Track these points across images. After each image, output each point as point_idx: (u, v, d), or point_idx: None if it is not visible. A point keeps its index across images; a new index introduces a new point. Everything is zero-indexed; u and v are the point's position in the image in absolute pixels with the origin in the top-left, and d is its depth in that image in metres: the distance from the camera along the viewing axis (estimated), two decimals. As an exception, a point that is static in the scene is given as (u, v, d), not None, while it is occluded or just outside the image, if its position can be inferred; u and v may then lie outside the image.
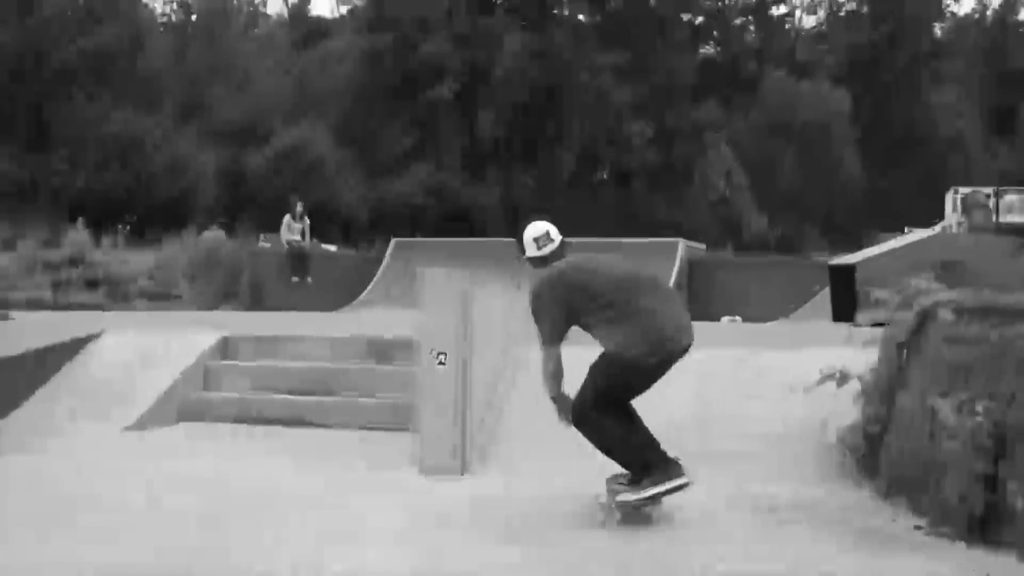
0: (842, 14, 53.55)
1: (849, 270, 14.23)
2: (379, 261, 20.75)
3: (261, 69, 43.45)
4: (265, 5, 55.56)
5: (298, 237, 20.07)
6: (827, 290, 15.38)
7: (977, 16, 55.67)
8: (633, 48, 44.40)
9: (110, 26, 35.33)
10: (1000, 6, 54.45)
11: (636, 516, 5.53)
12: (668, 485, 5.49)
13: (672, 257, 18.62)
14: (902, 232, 30.82)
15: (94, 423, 8.16)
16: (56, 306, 15.80)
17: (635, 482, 5.57)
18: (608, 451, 5.63)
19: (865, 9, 52.19)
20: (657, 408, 5.84)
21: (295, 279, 19.64)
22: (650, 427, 5.68)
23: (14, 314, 11.79)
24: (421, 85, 41.86)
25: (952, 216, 36.57)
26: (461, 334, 6.70)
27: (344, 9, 50.83)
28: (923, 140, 48.07)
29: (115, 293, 17.34)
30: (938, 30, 53.22)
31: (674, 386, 5.96)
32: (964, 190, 35.06)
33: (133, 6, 38.95)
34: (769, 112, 45.94)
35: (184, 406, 8.46)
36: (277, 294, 18.75)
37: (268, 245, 20.84)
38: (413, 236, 26.25)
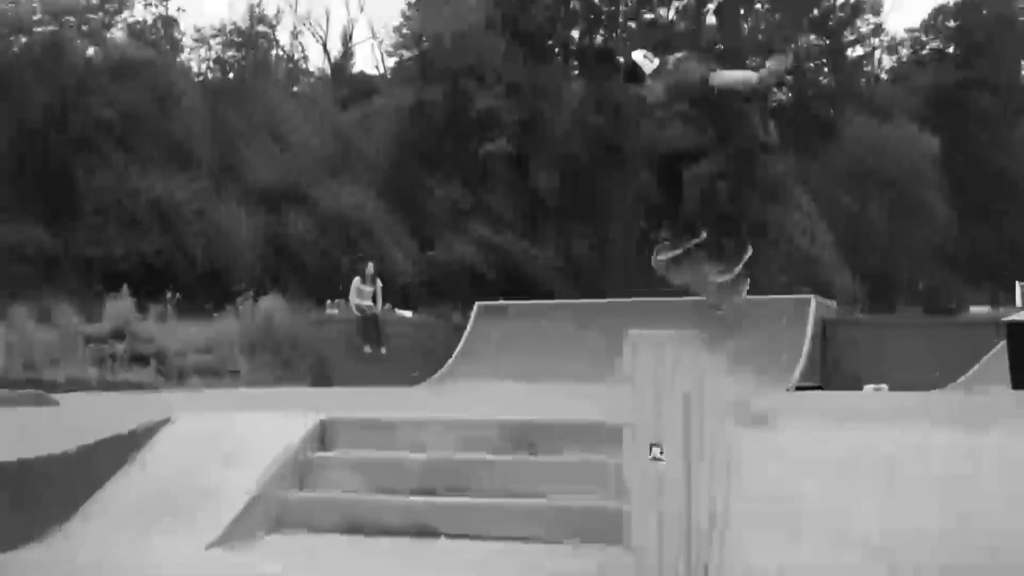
0: (925, 52, 51.99)
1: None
2: (460, 329, 19.16)
3: (302, 128, 42.42)
4: (307, 61, 54.57)
5: (369, 302, 18.63)
6: (998, 352, 13.62)
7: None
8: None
9: (141, 85, 34.46)
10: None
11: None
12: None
13: (804, 317, 16.85)
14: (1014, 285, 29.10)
15: (168, 538, 6.53)
16: (102, 385, 14.33)
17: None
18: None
19: (951, 48, 50.66)
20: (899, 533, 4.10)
21: (367, 349, 18.10)
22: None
23: (58, 397, 10.25)
24: (475, 139, 40.62)
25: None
26: (688, 420, 5.03)
27: (391, 62, 49.84)
28: (1016, 184, 46.21)
29: (168, 370, 15.86)
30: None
31: (898, 493, 4.22)
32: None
33: (166, 64, 38.16)
34: (852, 160, 44.28)
35: (279, 512, 6.84)
36: (346, 367, 17.21)
37: (336, 312, 19.36)
38: (480, 300, 24.54)
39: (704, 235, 6.99)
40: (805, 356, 15.94)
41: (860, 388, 15.36)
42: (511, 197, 41.84)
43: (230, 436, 7.50)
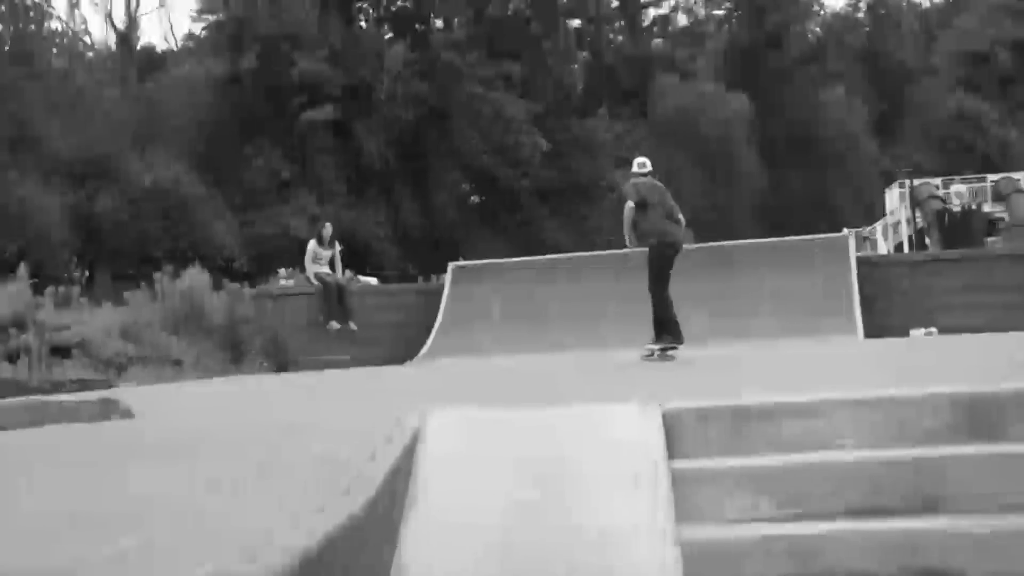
0: (718, 12, 52.33)
1: None
2: (431, 295, 16.41)
3: (101, 99, 38.11)
4: (88, 34, 49.39)
5: (328, 269, 15.65)
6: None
7: (851, 11, 55.67)
8: (519, 59, 41.49)
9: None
10: (873, 3, 54.51)
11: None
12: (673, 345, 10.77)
13: (844, 256, 15.29)
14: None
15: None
16: (43, 388, 11.14)
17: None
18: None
19: (740, 12, 51.09)
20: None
21: (334, 325, 15.14)
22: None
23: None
24: (296, 107, 37.59)
25: (901, 211, 35.40)
26: None
27: (198, 28, 45.68)
28: (817, 140, 47.08)
29: (95, 363, 12.76)
30: (817, 28, 52.78)
31: None
32: (915, 183, 33.90)
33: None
34: (663, 120, 43.85)
35: (698, 563, 3.87)
36: (310, 349, 14.43)
37: (291, 283, 16.23)
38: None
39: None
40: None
41: (906, 334, 14.12)
42: (336, 166, 38.95)
43: (540, 452, 4.89)
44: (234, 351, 14.24)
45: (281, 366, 14.16)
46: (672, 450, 4.66)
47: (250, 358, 14.18)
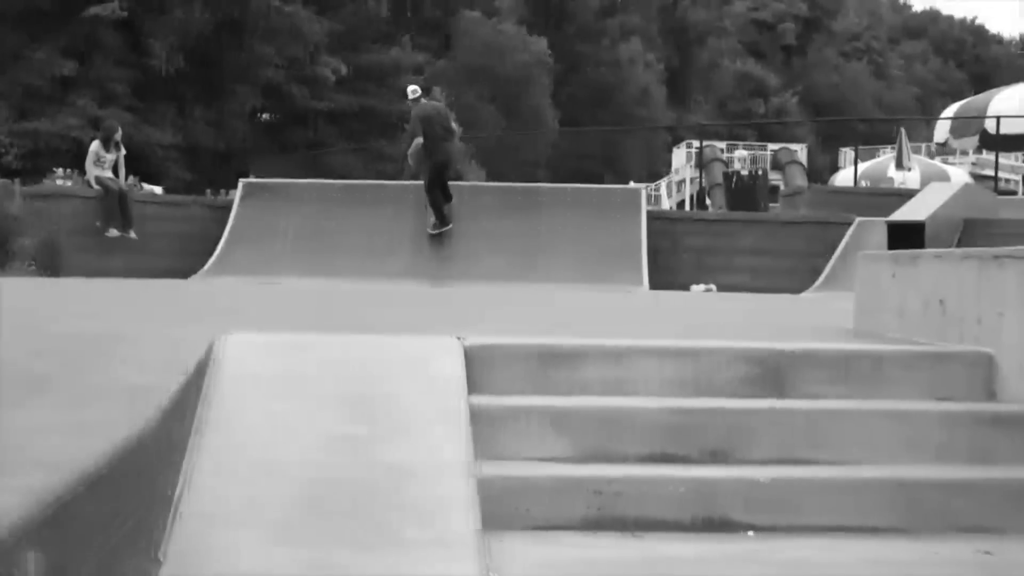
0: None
1: (917, 228, 12.04)
2: (218, 210, 15.59)
3: None
4: None
5: (111, 174, 14.71)
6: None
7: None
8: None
9: None
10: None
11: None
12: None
13: (636, 209, 15.46)
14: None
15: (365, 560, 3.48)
16: None
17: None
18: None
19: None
20: None
21: (113, 232, 14.28)
22: None
23: None
24: (78, 4, 35.32)
25: (687, 169, 36.58)
26: None
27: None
28: (612, 93, 47.96)
29: None
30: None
31: None
32: (702, 144, 35.04)
33: None
34: (468, 57, 43.66)
35: (492, 500, 3.81)
36: (84, 255, 13.60)
37: (70, 183, 15.13)
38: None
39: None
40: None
41: (687, 289, 14.61)
42: (122, 66, 36.94)
43: (341, 377, 4.64)
44: (0, 252, 13.30)
45: (52, 271, 13.33)
46: (475, 386, 4.50)
47: (18, 261, 13.27)
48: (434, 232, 14.99)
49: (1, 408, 3.68)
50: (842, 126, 49.90)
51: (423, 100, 15.93)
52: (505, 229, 14.72)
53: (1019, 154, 32.86)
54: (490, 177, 40.74)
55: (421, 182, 15.25)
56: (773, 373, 4.54)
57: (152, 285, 12.28)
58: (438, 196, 14.91)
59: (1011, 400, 4.53)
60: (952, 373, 4.69)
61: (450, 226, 14.88)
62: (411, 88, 15.67)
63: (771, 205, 19.45)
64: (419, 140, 14.68)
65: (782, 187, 26.74)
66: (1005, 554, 3.70)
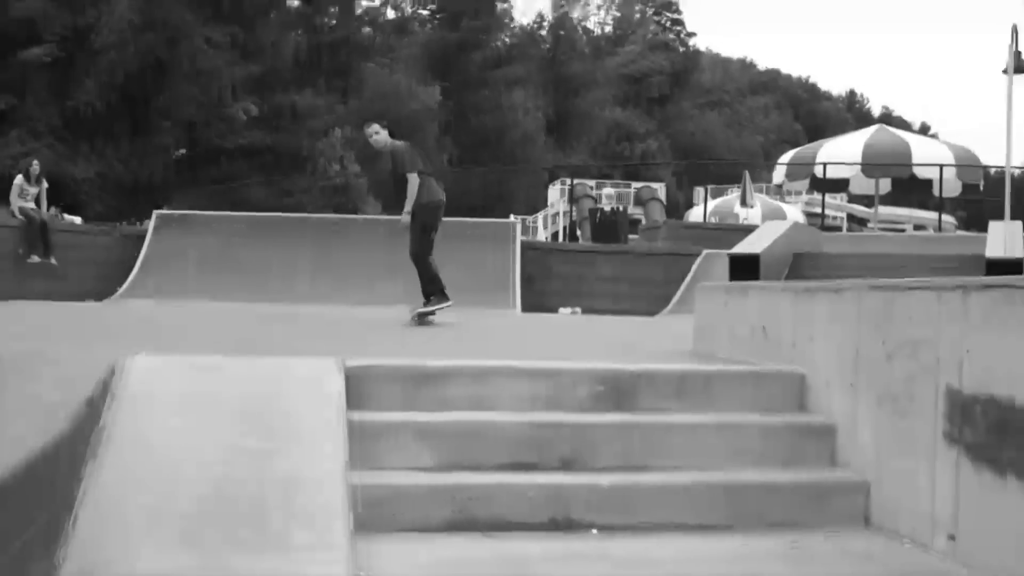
0: (425, 12, 52.43)
1: (753, 260, 12.42)
2: (134, 239, 15.19)
3: None
4: None
5: (34, 205, 14.26)
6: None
7: (536, 28, 57.55)
8: (243, 25, 39.84)
9: None
10: (555, 19, 56.55)
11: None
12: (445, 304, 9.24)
13: (509, 241, 15.53)
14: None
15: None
16: None
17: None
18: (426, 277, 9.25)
19: (442, 15, 51.45)
20: None
21: (34, 259, 13.84)
22: None
23: None
24: (12, 45, 34.19)
25: (560, 204, 37.00)
26: None
27: None
28: (500, 137, 48.33)
29: None
30: (507, 38, 54.04)
31: None
32: (574, 182, 35.51)
33: None
34: (367, 102, 43.54)
35: (367, 506, 3.77)
36: (6, 280, 13.12)
37: None
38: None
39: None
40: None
41: (555, 311, 14.67)
42: (52, 104, 35.81)
43: (240, 396, 4.60)
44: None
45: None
46: (355, 402, 4.52)
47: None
48: (425, 311, 9.24)
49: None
50: (697, 168, 51.21)
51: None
52: (397, 258, 14.67)
53: (843, 195, 34.14)
54: (385, 211, 40.70)
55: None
56: (617, 391, 4.66)
57: (69, 307, 11.92)
58: (432, 264, 9.25)
59: (818, 412, 4.74)
60: (771, 389, 4.89)
61: (450, 302, 9.29)
62: (375, 126, 9.20)
63: (631, 237, 19.87)
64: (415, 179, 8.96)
65: (643, 221, 27.32)
66: (808, 545, 3.88)
